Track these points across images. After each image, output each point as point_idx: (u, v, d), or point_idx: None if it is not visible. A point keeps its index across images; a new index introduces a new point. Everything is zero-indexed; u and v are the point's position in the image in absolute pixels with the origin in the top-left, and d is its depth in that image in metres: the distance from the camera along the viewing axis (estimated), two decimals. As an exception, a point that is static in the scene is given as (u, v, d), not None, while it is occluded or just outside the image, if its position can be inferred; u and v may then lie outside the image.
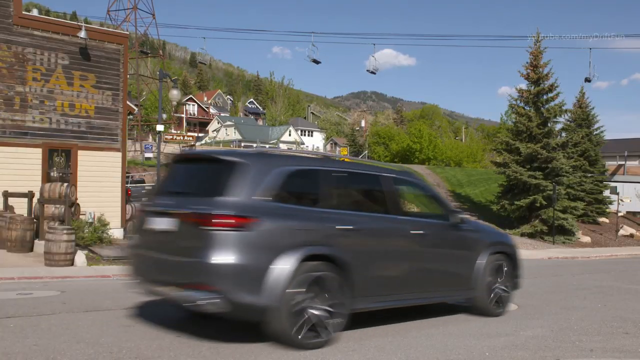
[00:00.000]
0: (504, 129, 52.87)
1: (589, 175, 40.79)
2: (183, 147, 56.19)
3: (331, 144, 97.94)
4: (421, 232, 8.05)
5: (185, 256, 6.26)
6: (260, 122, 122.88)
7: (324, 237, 6.75)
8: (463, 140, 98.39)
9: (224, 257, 6.02)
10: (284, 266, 6.24)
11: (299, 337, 6.34)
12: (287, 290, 6.21)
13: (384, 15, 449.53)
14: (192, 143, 52.86)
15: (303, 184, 7.12)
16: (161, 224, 6.69)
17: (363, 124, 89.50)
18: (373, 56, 36.57)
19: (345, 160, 8.44)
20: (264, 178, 6.57)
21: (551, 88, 35.67)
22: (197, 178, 7.10)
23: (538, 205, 33.27)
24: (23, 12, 18.80)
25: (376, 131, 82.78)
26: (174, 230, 6.50)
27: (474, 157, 73.69)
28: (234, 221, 6.12)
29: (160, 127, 23.73)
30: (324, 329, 6.54)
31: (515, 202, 33.88)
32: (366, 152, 75.08)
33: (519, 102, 36.72)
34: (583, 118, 43.23)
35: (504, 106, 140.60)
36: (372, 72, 45.80)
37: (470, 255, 8.74)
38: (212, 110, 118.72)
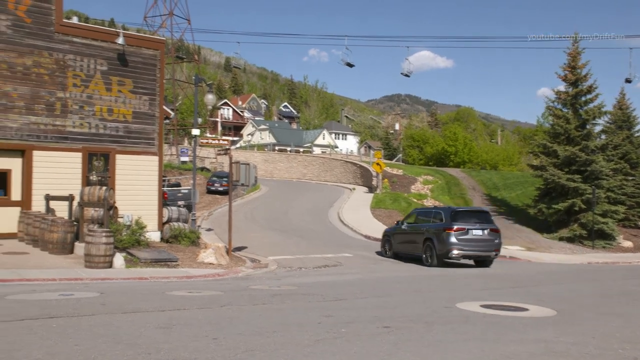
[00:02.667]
0: (541, 131, 52.02)
1: (630, 178, 39.80)
2: (218, 151, 56.74)
3: (365, 147, 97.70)
4: None
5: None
6: (294, 126, 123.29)
7: None
8: (499, 143, 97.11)
9: None
10: None
11: None
12: None
13: (420, 18, 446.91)
14: (227, 147, 53.22)
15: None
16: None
17: (397, 127, 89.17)
18: (407, 59, 36.40)
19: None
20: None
21: (590, 89, 35.00)
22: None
23: (577, 209, 32.63)
24: (64, 20, 19.24)
25: (410, 134, 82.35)
26: None
27: (510, 160, 72.69)
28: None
29: (195, 131, 24.02)
30: None
31: (553, 206, 33.29)
32: (400, 155, 74.66)
33: (556, 104, 36.13)
34: (623, 120, 42.27)
35: (541, 108, 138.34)
36: (406, 75, 45.56)
37: None
38: (246, 114, 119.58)
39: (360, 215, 34.32)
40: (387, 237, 22.96)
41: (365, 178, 49.08)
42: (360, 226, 30.98)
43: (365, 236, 28.63)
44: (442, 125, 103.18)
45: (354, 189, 47.09)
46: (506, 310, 9.65)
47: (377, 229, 30.05)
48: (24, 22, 18.24)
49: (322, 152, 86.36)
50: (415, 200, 39.47)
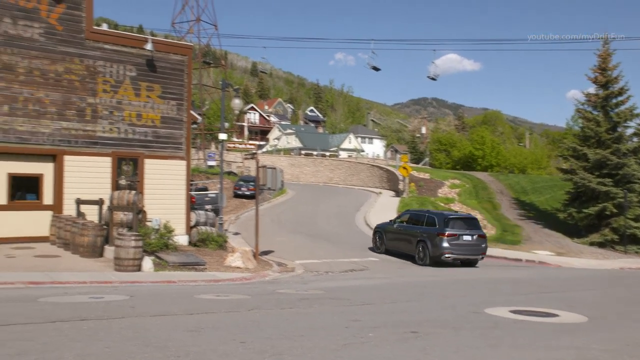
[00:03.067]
0: (570, 134, 51.26)
1: (664, 182, 38.91)
2: (245, 155, 57.08)
3: (391, 151, 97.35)
4: None
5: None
6: (320, 130, 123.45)
7: None
8: (527, 146, 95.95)
9: None
10: None
11: None
12: None
13: (447, 21, 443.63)
14: (254, 151, 53.56)
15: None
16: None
17: (424, 130, 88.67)
18: (434, 62, 36.32)
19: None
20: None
21: (621, 91, 34.40)
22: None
23: (608, 213, 32.06)
24: (94, 27, 19.56)
25: (437, 138, 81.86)
26: None
27: (539, 163, 71.80)
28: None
29: (222, 136, 24.19)
30: None
31: (584, 210, 32.76)
32: (427, 159, 74.26)
33: (586, 106, 35.58)
34: (657, 123, 41.34)
35: (570, 111, 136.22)
36: (433, 79, 45.39)
37: None
38: (272, 119, 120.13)
39: (387, 219, 34.16)
40: (379, 232, 24.51)
41: (391, 182, 48.90)
42: (386, 230, 30.83)
43: (392, 240, 28.49)
44: (469, 129, 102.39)
45: (380, 193, 46.93)
46: (536, 316, 9.52)
47: (404, 233, 29.89)
48: (56, 29, 18.59)
49: (349, 156, 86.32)
50: (442, 204, 39.20)
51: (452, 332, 8.06)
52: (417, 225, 22.35)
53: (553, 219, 36.86)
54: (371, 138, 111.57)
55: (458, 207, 38.45)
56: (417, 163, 71.69)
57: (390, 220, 24.60)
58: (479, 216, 36.28)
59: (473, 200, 41.27)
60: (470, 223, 21.98)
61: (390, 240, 23.69)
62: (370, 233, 30.84)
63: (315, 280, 16.19)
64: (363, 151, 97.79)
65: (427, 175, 49.35)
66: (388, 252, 23.60)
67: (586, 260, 26.90)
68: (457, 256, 21.07)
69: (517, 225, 34.86)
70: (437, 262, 21.01)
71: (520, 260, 24.41)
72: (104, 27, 22.66)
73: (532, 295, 13.18)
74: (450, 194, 43.60)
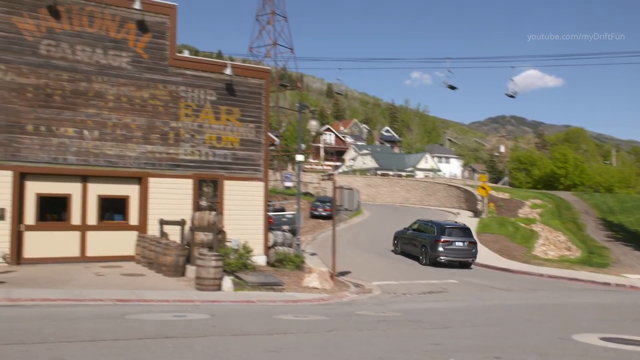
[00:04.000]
0: (662, 151, 48.62)
1: None
2: (322, 176, 57.51)
3: (469, 170, 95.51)
4: None
5: None
6: (396, 150, 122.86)
7: None
8: (613, 164, 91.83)
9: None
10: None
11: None
12: None
13: (525, 37, 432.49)
14: (331, 172, 53.88)
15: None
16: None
17: (502, 149, 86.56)
18: (512, 79, 35.53)
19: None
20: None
21: None
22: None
23: None
24: (177, 54, 20.36)
25: (516, 156, 79.66)
26: None
27: (627, 182, 68.52)
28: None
29: (299, 157, 24.48)
30: None
31: (678, 231, 30.90)
32: (506, 178, 72.36)
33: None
34: None
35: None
36: (511, 96, 44.31)
37: None
38: (348, 139, 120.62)
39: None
40: (396, 238, 29.73)
41: (469, 202, 47.91)
42: (465, 251, 30.17)
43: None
44: (551, 147, 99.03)
45: (458, 213, 46.04)
46: (629, 345, 9.00)
47: (485, 254, 29.14)
48: (142, 57, 19.49)
49: (425, 175, 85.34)
50: (523, 224, 37.99)
51: (538, 358, 7.74)
52: (423, 233, 26.92)
53: (644, 240, 34.95)
54: (448, 157, 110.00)
55: (540, 228, 37.15)
56: (496, 182, 69.94)
57: (405, 228, 29.35)
58: (562, 237, 34.95)
59: (556, 221, 39.77)
60: (463, 232, 26.20)
61: (403, 244, 28.69)
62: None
63: (393, 302, 16.01)
64: (440, 171, 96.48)
65: (506, 195, 48.05)
66: (403, 253, 28.41)
67: (682, 284, 25.24)
68: (450, 258, 25.48)
69: (604, 247, 33.25)
70: (435, 263, 25.41)
71: (608, 284, 23.22)
72: (186, 53, 23.55)
73: (623, 321, 12.50)
74: (532, 214, 42.21)
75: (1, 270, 16.30)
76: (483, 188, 42.65)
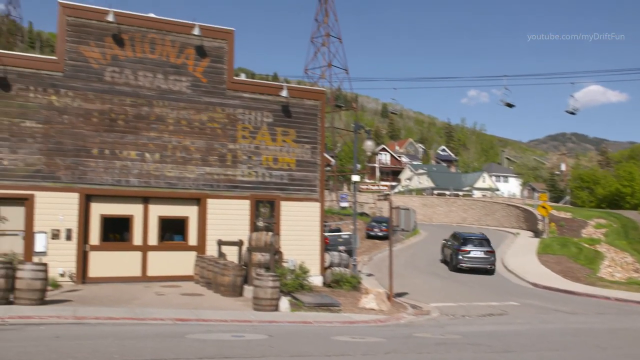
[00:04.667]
0: None
1: None
2: (378, 196, 57.28)
3: (528, 189, 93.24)
4: None
5: None
6: (452, 169, 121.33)
7: None
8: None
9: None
10: None
11: None
12: None
13: (586, 53, 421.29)
14: (387, 192, 53.71)
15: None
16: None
17: (563, 167, 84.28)
18: (572, 95, 34.62)
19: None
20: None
21: None
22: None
23: None
24: (234, 78, 20.81)
25: (578, 175, 77.24)
26: None
27: (700, 200, 65.25)
28: None
29: (355, 178, 24.49)
30: None
31: None
32: (567, 197, 70.32)
33: None
34: None
35: None
36: (572, 113, 43.19)
37: None
38: (403, 159, 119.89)
39: (526, 261, 32.59)
40: (442, 246, 33.58)
41: (529, 222, 46.73)
42: (526, 273, 29.39)
43: (533, 284, 27.06)
44: (615, 164, 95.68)
45: (517, 233, 44.96)
46: None
47: (546, 276, 28.35)
48: (201, 81, 20.00)
49: (483, 195, 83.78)
50: (586, 245, 36.70)
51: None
52: (454, 242, 30.97)
53: None
54: (506, 176, 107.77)
55: (605, 249, 35.82)
56: (557, 202, 67.99)
57: (445, 239, 33.38)
58: (629, 258, 33.63)
59: (622, 241, 38.24)
60: (482, 242, 30.14)
61: (443, 252, 33.01)
62: (509, 275, 29.67)
63: (451, 324, 15.71)
64: (498, 190, 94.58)
65: (568, 215, 46.61)
66: (444, 261, 32.46)
67: None
68: (469, 265, 29.27)
69: (675, 269, 31.74)
70: (457, 269, 29.55)
71: (681, 307, 22.14)
72: (242, 76, 24.03)
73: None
74: (595, 234, 40.76)
75: (68, 289, 16.88)
76: (544, 207, 41.54)
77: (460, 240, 30.29)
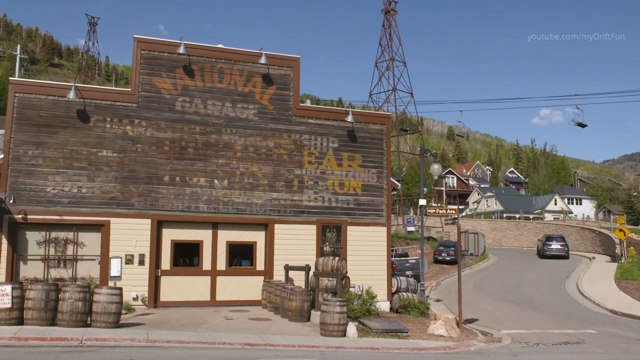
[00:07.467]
0: None
1: None
2: (446, 220, 56.46)
3: (604, 211, 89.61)
4: None
5: None
6: (522, 192, 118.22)
7: None
8: None
9: None
10: None
11: None
12: None
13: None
14: (455, 216, 52.73)
15: None
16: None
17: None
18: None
19: None
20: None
21: None
22: None
23: None
24: (299, 104, 21.12)
25: (658, 196, 73.68)
26: None
27: None
28: None
29: (422, 202, 24.21)
30: None
31: None
32: (647, 219, 67.03)
33: None
34: None
35: None
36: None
37: None
38: (471, 182, 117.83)
39: (603, 287, 31.17)
40: (540, 241, 47.68)
41: (605, 246, 44.82)
42: (603, 299, 28.09)
43: (612, 311, 25.81)
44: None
45: (593, 257, 43.18)
46: None
47: (626, 303, 26.98)
48: (268, 109, 20.41)
49: (554, 218, 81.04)
50: (669, 270, 34.77)
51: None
52: (542, 239, 46.79)
53: None
54: (579, 198, 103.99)
55: (690, 274, 33.81)
56: (636, 224, 64.99)
57: (539, 239, 48.71)
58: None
59: None
60: (559, 238, 45.67)
61: (542, 246, 45.86)
62: (585, 302, 28.50)
63: (524, 352, 15.17)
64: (571, 213, 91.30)
65: (648, 238, 44.39)
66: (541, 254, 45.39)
67: None
68: (551, 253, 44.00)
69: None
70: (543, 256, 44.35)
71: None
72: (308, 103, 24.38)
73: None
74: (679, 258, 38.58)
75: (140, 312, 17.38)
76: (621, 230, 39.74)
77: (545, 236, 46.72)
